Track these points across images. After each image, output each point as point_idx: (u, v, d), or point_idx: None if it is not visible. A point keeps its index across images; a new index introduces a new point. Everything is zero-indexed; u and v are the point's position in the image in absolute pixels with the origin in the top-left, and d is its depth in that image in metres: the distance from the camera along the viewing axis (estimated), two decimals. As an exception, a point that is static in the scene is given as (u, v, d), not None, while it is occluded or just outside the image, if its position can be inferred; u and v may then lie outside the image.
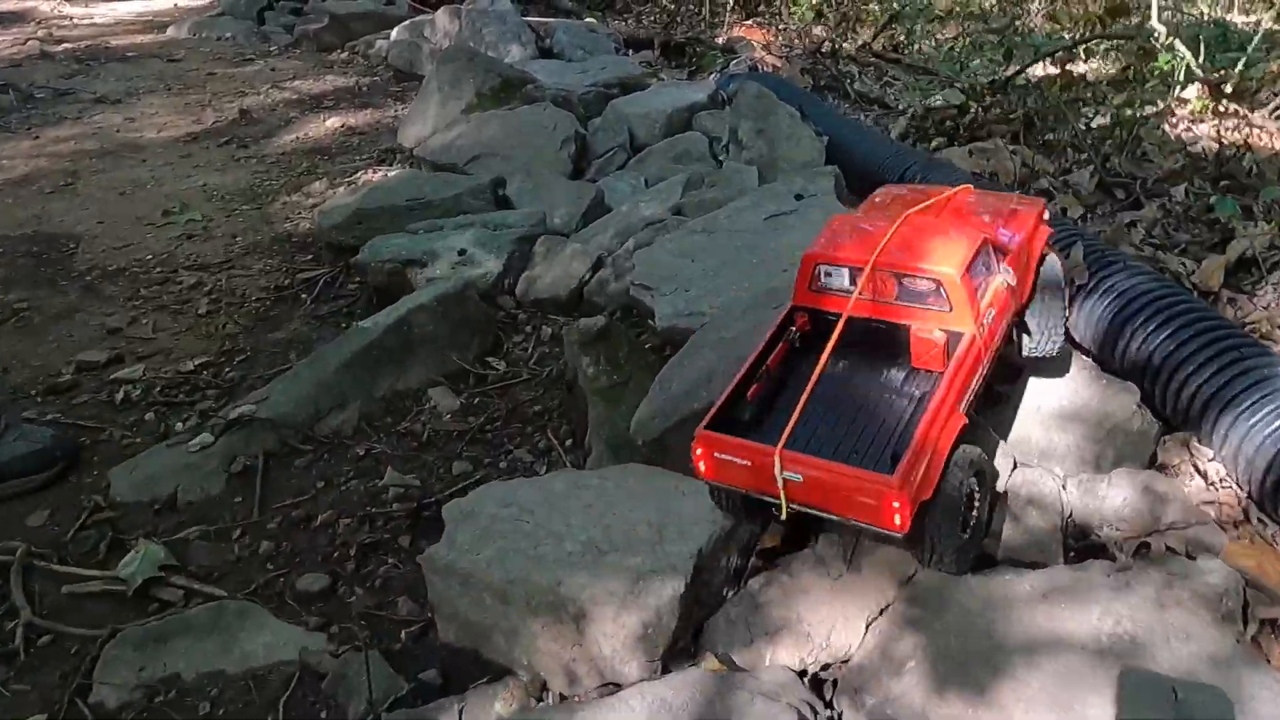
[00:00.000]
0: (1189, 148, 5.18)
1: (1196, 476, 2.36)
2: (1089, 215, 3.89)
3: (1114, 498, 2.17)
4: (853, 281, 1.98)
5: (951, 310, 1.90)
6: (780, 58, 7.18)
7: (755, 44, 8.78)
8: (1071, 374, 2.49)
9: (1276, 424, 2.13)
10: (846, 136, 4.59)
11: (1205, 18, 9.10)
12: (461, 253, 3.95)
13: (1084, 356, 2.65)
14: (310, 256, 4.71)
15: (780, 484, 1.73)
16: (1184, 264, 3.52)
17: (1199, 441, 2.38)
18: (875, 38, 7.70)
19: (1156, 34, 5.57)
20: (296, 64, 9.27)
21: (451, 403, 3.29)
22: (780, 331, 2.08)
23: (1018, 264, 2.13)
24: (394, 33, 9.21)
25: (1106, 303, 2.65)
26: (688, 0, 11.68)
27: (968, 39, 8.83)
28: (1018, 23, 10.30)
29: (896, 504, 1.62)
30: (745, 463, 1.78)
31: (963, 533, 1.87)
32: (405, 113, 6.76)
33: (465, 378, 3.44)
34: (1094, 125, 5.06)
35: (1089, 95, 5.25)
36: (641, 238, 3.87)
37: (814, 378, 1.85)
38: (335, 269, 4.44)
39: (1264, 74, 5.10)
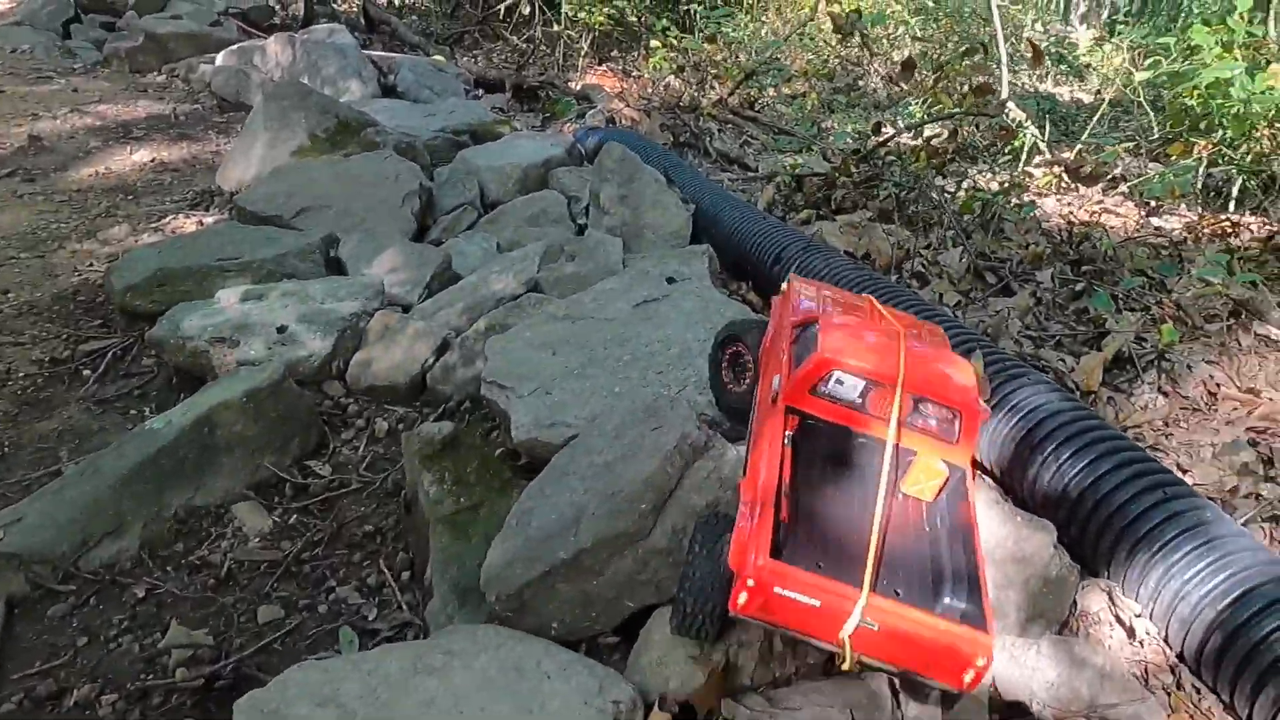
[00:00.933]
0: (1043, 224, 5.21)
1: (1119, 628, 2.11)
2: (964, 303, 3.74)
3: (1045, 670, 1.89)
4: (862, 395, 1.80)
5: (957, 443, 1.80)
6: (638, 110, 6.90)
7: (610, 92, 8.51)
8: (983, 510, 2.21)
9: (1213, 581, 1.91)
10: (714, 205, 4.30)
11: (1040, 93, 9.54)
12: (282, 329, 3.37)
13: (991, 483, 2.40)
14: (99, 322, 3.98)
15: (850, 631, 1.52)
16: (1063, 360, 3.39)
17: (1123, 589, 2.14)
18: (732, 93, 7.56)
19: (1010, 113, 5.63)
20: (104, 85, 8.28)
21: (262, 522, 2.72)
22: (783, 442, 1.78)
23: None
24: (219, 57, 8.38)
25: (1013, 423, 2.40)
26: (540, 40, 11.35)
27: (816, 95, 8.87)
28: (860, 83, 10.54)
29: (982, 662, 1.49)
30: (813, 603, 1.53)
31: None
32: (229, 148, 6.04)
33: (281, 489, 2.87)
34: (958, 198, 5.01)
35: (952, 168, 5.21)
36: (495, 317, 3.42)
37: (880, 515, 1.64)
38: (128, 340, 3.75)
39: (1112, 155, 5.19)
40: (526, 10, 10.98)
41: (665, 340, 2.84)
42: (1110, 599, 2.13)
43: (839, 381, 1.80)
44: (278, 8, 12.25)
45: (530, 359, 2.90)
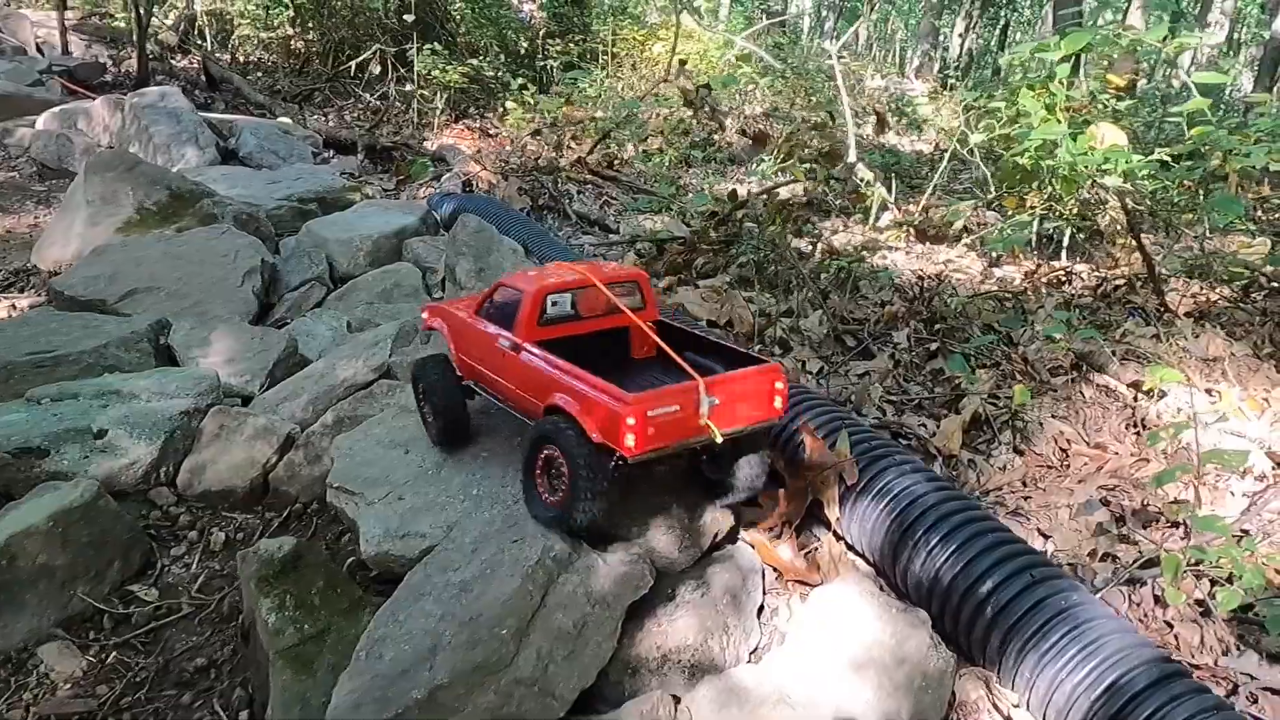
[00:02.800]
0: (895, 280, 5.35)
1: (997, 718, 2.07)
2: (825, 370, 3.74)
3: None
4: (574, 306, 2.47)
5: (645, 308, 2.56)
6: (495, 172, 6.77)
7: (467, 151, 8.36)
8: (861, 603, 2.14)
9: (1086, 669, 1.88)
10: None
11: (885, 147, 9.95)
12: (100, 434, 3.03)
13: (866, 571, 2.34)
14: (-117, 431, 3.50)
15: (706, 411, 2.04)
16: (924, 425, 3.41)
17: (999, 678, 2.10)
18: (590, 152, 7.53)
19: (858, 174, 5.79)
20: (-95, 152, 7.55)
21: (73, 665, 2.39)
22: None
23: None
24: (40, 120, 7.78)
25: (882, 508, 2.36)
26: (394, 98, 11.10)
27: (675, 150, 8.96)
28: (715, 137, 10.77)
29: (781, 384, 2.20)
30: (674, 408, 2.02)
31: None
32: (48, 221, 5.55)
33: (97, 622, 2.54)
34: (814, 259, 5.08)
35: (807, 227, 5.29)
36: (344, 408, 3.18)
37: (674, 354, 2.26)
38: (-82, 451, 3.30)
39: (954, 215, 5.39)
40: (377, 69, 10.74)
41: (521, 434, 2.68)
42: (988, 687, 2.09)
43: (554, 303, 2.39)
44: (110, 64, 11.58)
45: (381, 459, 2.69)
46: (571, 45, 12.87)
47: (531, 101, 9.30)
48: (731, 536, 2.53)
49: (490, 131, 10.19)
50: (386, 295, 4.39)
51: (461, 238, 4.17)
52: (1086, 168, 4.62)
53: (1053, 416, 3.58)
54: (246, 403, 3.50)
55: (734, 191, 4.76)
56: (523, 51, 13.22)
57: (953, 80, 18.39)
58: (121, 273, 4.29)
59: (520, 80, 9.56)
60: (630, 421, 1.93)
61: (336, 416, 3.16)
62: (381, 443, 2.76)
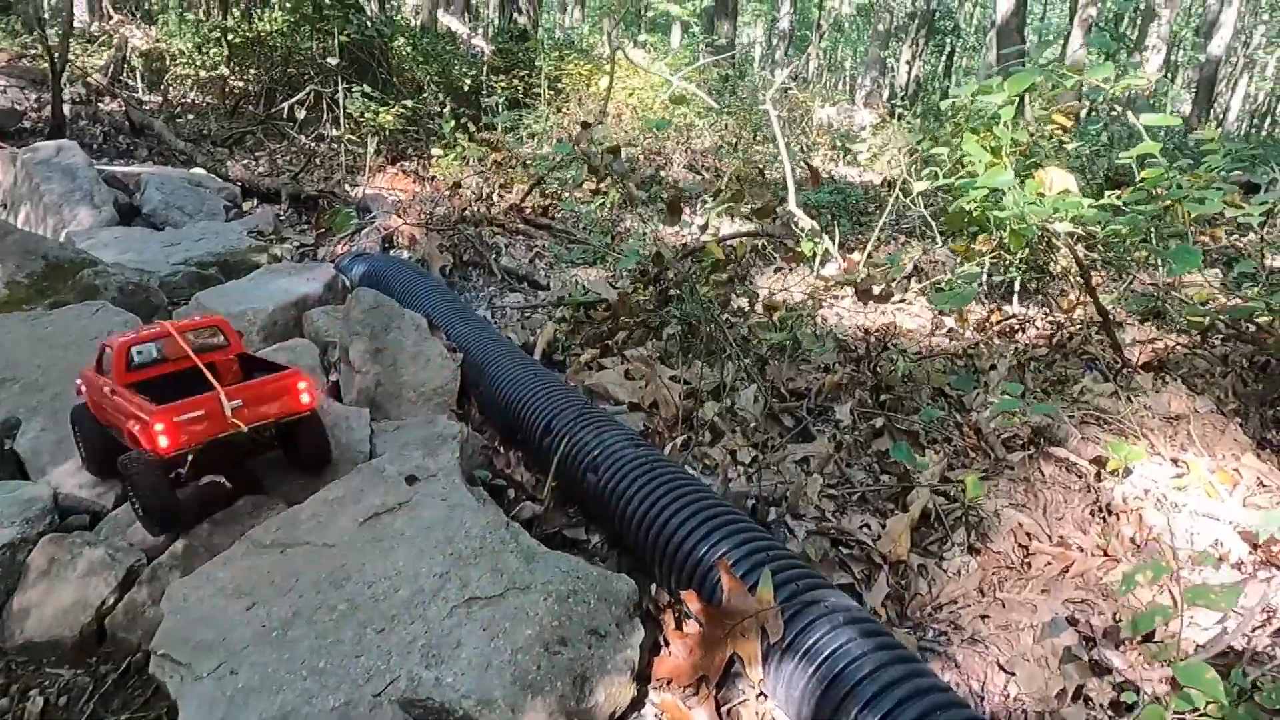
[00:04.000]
0: (839, 335, 4.98)
1: None
2: (759, 459, 3.32)
3: None
4: (159, 352, 2.99)
5: (229, 345, 3.14)
6: (419, 225, 6.32)
7: (396, 199, 7.90)
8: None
9: None
10: (483, 352, 3.75)
11: (833, 178, 9.66)
12: (-102, 580, 2.53)
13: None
14: None
15: (230, 412, 2.60)
16: (867, 526, 3.01)
17: None
18: (523, 199, 7.12)
19: (798, 222, 5.44)
20: None
21: None
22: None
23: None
24: (-66, 176, 7.23)
25: (811, 672, 1.93)
26: (329, 140, 10.63)
27: (616, 192, 8.57)
28: (662, 173, 10.40)
29: (303, 384, 2.80)
30: (199, 413, 2.57)
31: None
32: None
33: None
34: (752, 318, 4.69)
35: (744, 286, 4.91)
36: (197, 535, 2.71)
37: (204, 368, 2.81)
38: None
39: (899, 272, 5.04)
40: (301, 114, 10.27)
41: (394, 576, 2.23)
42: None
43: (138, 352, 2.91)
44: (33, 109, 10.99)
45: (220, 614, 2.22)
46: (516, 81, 12.51)
47: (462, 146, 8.89)
48: (637, 703, 2.10)
49: (424, 176, 9.75)
50: (278, 378, 3.91)
51: (355, 315, 3.71)
52: (1036, 217, 4.29)
53: (1010, 505, 3.20)
54: (95, 522, 3.01)
55: (658, 254, 4.35)
56: (466, 89, 12.83)
57: (900, 109, 18.29)
58: (-26, 362, 3.77)
59: (455, 121, 9.13)
60: (159, 427, 2.48)
61: (188, 544, 2.69)
62: (224, 591, 2.29)
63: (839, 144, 12.98)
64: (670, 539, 2.38)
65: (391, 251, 5.98)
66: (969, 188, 4.51)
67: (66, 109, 10.47)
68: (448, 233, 5.99)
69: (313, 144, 10.73)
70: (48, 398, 3.64)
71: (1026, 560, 2.99)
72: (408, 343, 3.71)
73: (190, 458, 2.66)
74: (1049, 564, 2.94)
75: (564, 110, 12.11)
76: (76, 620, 2.56)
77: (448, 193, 7.11)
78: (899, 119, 16.76)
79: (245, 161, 10.36)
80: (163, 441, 2.48)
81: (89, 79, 11.71)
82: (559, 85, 12.38)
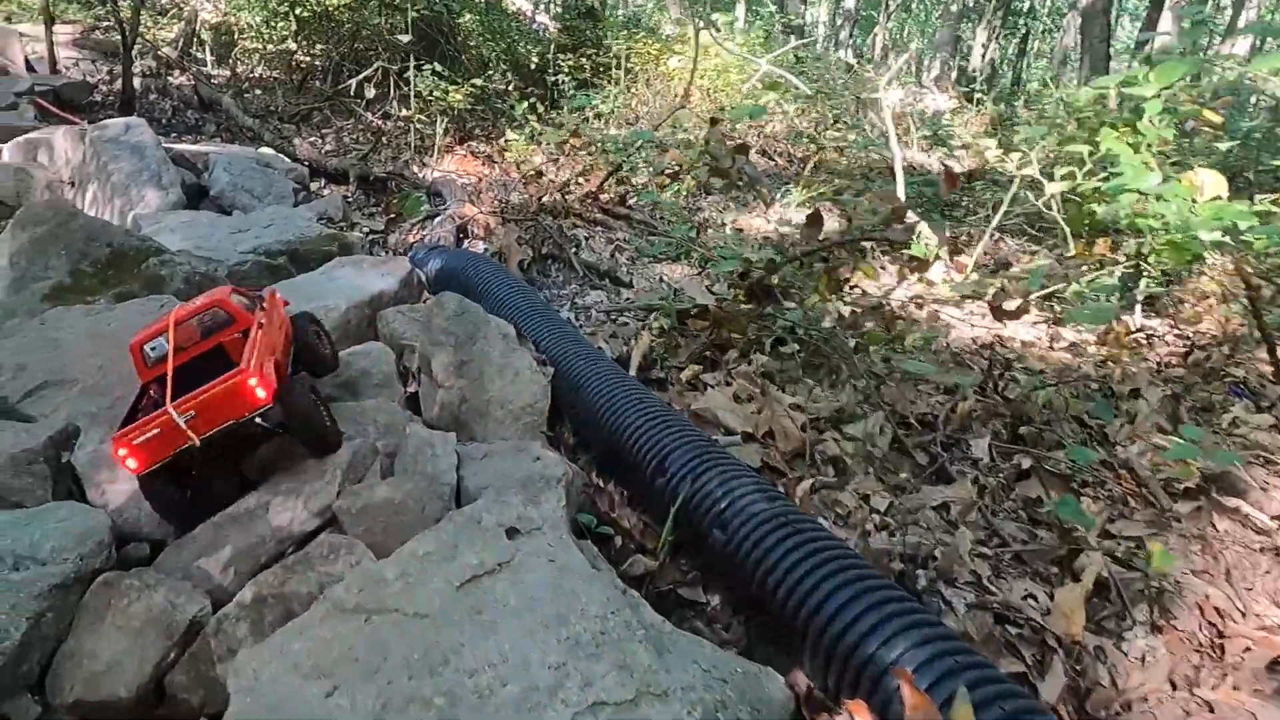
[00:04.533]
0: (953, 348, 4.50)
1: None
2: (894, 507, 2.89)
3: None
4: (167, 346, 2.84)
5: (237, 322, 2.95)
6: (493, 213, 5.95)
7: (463, 186, 7.55)
8: None
9: None
10: (579, 369, 3.37)
11: (916, 169, 9.08)
12: (-62, 624, 2.23)
13: None
14: None
15: (184, 424, 2.53)
16: (1033, 596, 2.57)
17: None
18: (601, 187, 6.71)
19: (920, 233, 4.96)
20: None
21: None
22: (138, 399, 2.83)
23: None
24: (5, 150, 7.03)
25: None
26: (397, 118, 10.32)
27: (693, 178, 8.11)
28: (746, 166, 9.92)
29: (252, 380, 2.57)
30: (156, 431, 2.52)
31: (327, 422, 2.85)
32: None
33: None
34: (857, 325, 4.24)
35: (851, 296, 4.45)
36: (269, 582, 2.37)
37: (169, 375, 2.69)
38: None
39: (1035, 283, 4.53)
40: (371, 94, 9.96)
41: (500, 664, 1.86)
42: None
43: (152, 349, 2.84)
44: (104, 83, 10.85)
45: (296, 699, 1.87)
46: (584, 60, 12.09)
47: (534, 128, 8.49)
48: None
49: (495, 158, 9.38)
50: (350, 386, 3.57)
51: (439, 322, 3.35)
52: (1196, 227, 3.77)
53: (1191, 572, 2.73)
54: (155, 552, 2.70)
55: (771, 261, 3.90)
56: (532, 67, 12.42)
57: (978, 93, 17.46)
58: (31, 359, 3.49)
59: (526, 103, 8.73)
60: (121, 452, 2.49)
61: (258, 593, 2.35)
62: (301, 668, 1.94)
63: (916, 128, 12.33)
64: (826, 625, 1.98)
65: (466, 242, 5.62)
66: (1117, 190, 3.99)
67: (136, 82, 10.31)
68: (525, 223, 5.61)
69: (379, 122, 10.43)
70: (107, 403, 3.34)
71: (1219, 642, 2.53)
72: (494, 354, 3.33)
73: (195, 455, 2.62)
74: (1248, 650, 2.48)
75: (633, 91, 11.66)
76: (133, 678, 2.24)
77: (521, 179, 6.72)
78: (976, 103, 16.00)
79: (311, 139, 10.09)
80: (131, 464, 2.51)
81: (159, 52, 11.55)
82: (629, 65, 11.92)
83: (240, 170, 6.15)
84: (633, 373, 3.63)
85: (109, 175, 5.62)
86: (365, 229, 6.28)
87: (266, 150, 7.34)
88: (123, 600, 2.33)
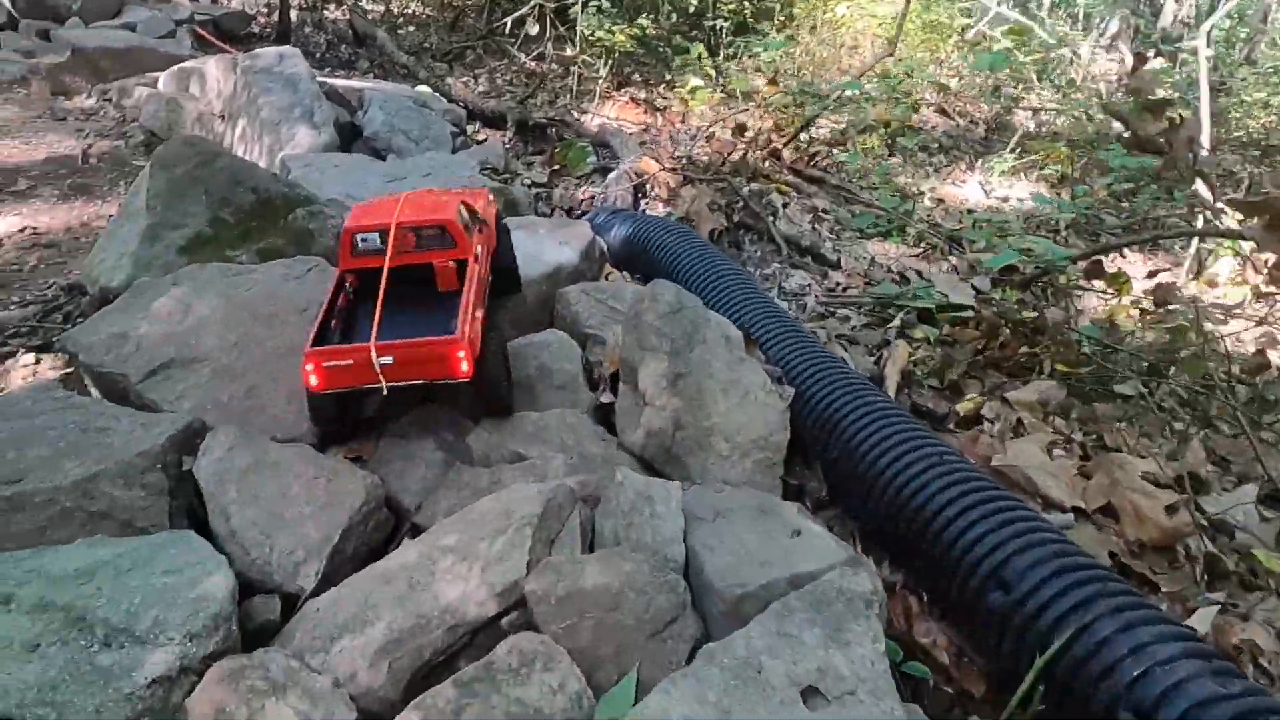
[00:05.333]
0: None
1: None
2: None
3: None
4: (383, 242, 2.59)
5: (456, 248, 2.64)
6: (673, 169, 5.11)
7: (631, 134, 6.72)
8: None
9: None
10: (827, 391, 2.52)
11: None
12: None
13: None
14: None
15: (378, 369, 2.32)
16: None
17: None
18: (788, 144, 5.78)
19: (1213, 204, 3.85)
20: (11, 112, 6.50)
21: None
22: (337, 290, 2.62)
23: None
24: (161, 79, 6.62)
25: None
26: (551, 60, 9.55)
27: (879, 139, 7.04)
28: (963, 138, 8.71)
29: (461, 353, 2.34)
30: (348, 362, 2.34)
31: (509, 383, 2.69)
32: (108, 227, 4.27)
33: None
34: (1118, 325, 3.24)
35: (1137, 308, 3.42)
36: (434, 707, 1.64)
37: (380, 300, 2.43)
38: None
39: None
40: (534, 30, 9.20)
41: None
42: None
43: (363, 239, 2.61)
44: (260, 14, 10.50)
45: None
46: (745, 3, 11.01)
47: (711, 74, 7.57)
48: None
49: (657, 104, 8.50)
50: (528, 386, 2.84)
51: (650, 320, 2.54)
52: None
53: None
54: (290, 608, 2.03)
55: (1093, 262, 2.92)
56: (691, 9, 11.43)
57: (1182, 53, 15.40)
58: (160, 330, 2.88)
59: (699, 48, 7.80)
60: (308, 367, 2.33)
61: (423, 717, 1.63)
62: None
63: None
64: None
65: (644, 204, 4.82)
66: None
67: (293, 15, 9.90)
68: (715, 184, 4.74)
69: (533, 64, 9.70)
70: (241, 391, 2.70)
71: None
72: (717, 365, 2.51)
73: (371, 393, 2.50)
74: None
75: (798, 39, 10.54)
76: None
77: (705, 132, 5.82)
78: (1179, 64, 14.06)
79: (465, 79, 9.44)
80: (312, 380, 2.36)
81: (317, -19, 11.13)
82: (793, 10, 10.78)
83: (396, 110, 5.50)
84: (892, 394, 2.76)
85: (259, 110, 5.04)
86: (527, 181, 5.55)
87: (423, 89, 6.69)
88: (242, 709, 1.66)
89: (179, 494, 2.34)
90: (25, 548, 2.12)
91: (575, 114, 7.77)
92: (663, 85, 9.26)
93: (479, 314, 2.51)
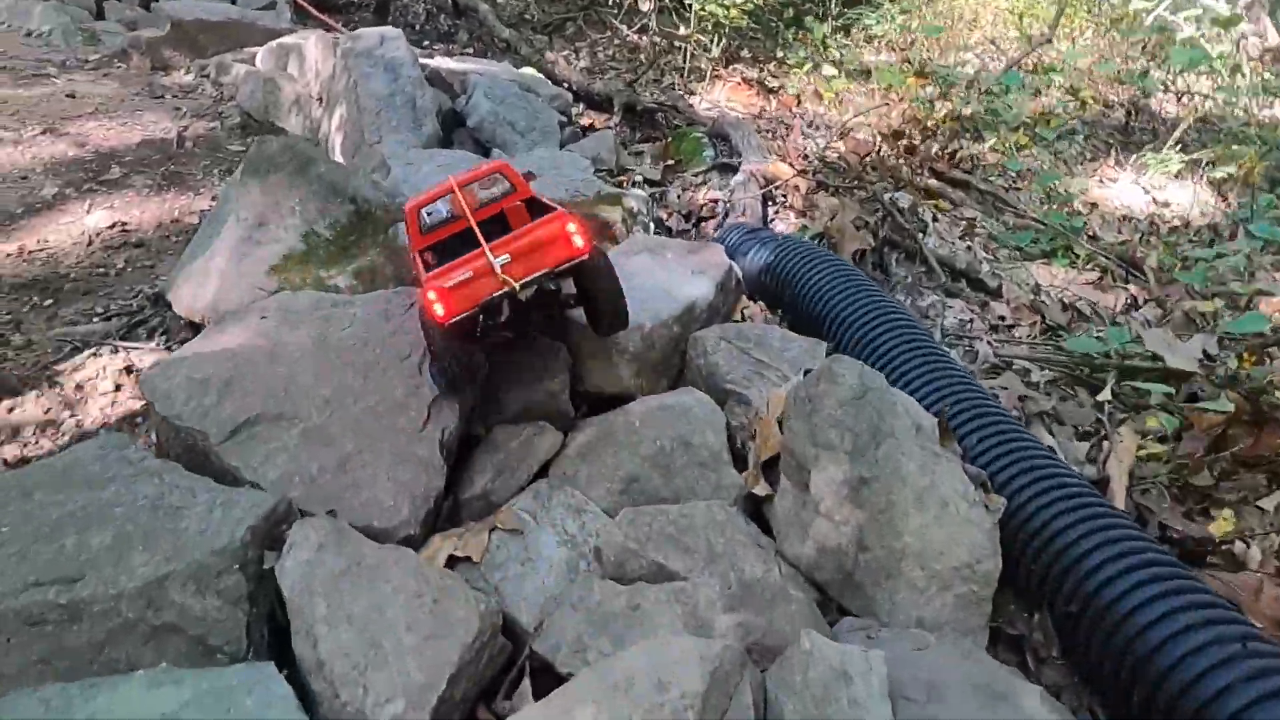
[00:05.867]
0: None
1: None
2: None
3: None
4: (449, 211, 2.58)
5: (517, 190, 2.66)
6: (805, 171, 4.53)
7: (747, 123, 6.13)
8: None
9: None
10: (1040, 504, 1.98)
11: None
12: None
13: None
14: None
15: (499, 269, 2.18)
16: None
17: None
18: (924, 141, 5.12)
19: None
20: (110, 88, 6.26)
21: None
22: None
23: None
24: (259, 55, 6.30)
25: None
26: (654, 33, 8.95)
27: (1018, 134, 6.28)
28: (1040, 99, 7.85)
29: (571, 225, 2.25)
30: (467, 274, 2.20)
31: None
32: (192, 242, 3.91)
33: None
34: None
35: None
36: None
37: (476, 231, 2.28)
38: None
39: None
40: (646, 6, 8.61)
41: None
42: None
43: (429, 214, 2.59)
44: (360, -17, 10.15)
45: None
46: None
47: (823, 49, 6.88)
48: None
49: (769, 85, 7.85)
50: (662, 464, 2.36)
51: (828, 412, 2.02)
52: None
53: None
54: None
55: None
56: (803, -22, 10.64)
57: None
58: (244, 375, 2.49)
59: (824, 28, 7.12)
60: (431, 295, 2.16)
61: None
62: None
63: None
64: None
65: (773, 214, 4.26)
66: None
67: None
68: (855, 192, 4.16)
69: (635, 37, 9.13)
70: (334, 463, 2.29)
71: None
72: (909, 467, 1.99)
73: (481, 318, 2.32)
74: None
75: (912, 11, 9.68)
76: None
77: (840, 129, 5.20)
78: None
79: (565, 53, 8.94)
80: (439, 309, 2.19)
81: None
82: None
83: (502, 97, 5.03)
84: (1120, 506, 2.20)
85: (358, 98, 4.63)
86: (639, 176, 5.04)
87: (528, 71, 6.20)
88: None
89: (259, 599, 1.95)
90: (77, 669, 1.77)
91: (685, 95, 7.21)
92: (772, 63, 8.60)
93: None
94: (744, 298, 3.22)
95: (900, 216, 4.06)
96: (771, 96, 7.63)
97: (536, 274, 2.25)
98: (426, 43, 8.89)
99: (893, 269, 3.85)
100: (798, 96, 7.43)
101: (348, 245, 3.24)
